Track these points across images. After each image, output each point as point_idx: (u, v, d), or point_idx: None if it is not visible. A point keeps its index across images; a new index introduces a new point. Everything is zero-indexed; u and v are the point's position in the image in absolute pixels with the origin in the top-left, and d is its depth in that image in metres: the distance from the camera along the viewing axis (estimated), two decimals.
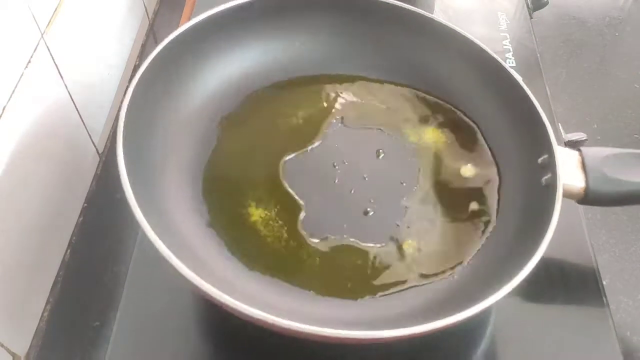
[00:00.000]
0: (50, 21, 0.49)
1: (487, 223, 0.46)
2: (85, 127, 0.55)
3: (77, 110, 0.53)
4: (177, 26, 0.69)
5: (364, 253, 0.44)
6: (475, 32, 0.63)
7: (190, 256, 0.39)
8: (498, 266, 0.41)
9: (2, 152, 0.42)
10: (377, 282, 0.42)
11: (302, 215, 0.45)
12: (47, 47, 0.48)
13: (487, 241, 0.44)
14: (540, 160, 0.44)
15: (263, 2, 0.52)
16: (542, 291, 0.45)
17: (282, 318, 0.33)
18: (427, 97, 0.54)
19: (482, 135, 0.51)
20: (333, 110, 0.52)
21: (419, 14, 0.53)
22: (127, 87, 0.43)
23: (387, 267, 0.43)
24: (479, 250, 0.44)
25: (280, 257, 0.43)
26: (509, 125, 0.49)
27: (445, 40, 0.52)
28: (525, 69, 0.60)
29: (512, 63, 0.61)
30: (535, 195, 0.43)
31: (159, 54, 0.45)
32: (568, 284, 0.45)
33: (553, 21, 1.63)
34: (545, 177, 0.43)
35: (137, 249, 0.45)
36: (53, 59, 0.49)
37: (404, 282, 0.42)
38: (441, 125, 0.52)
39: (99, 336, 0.46)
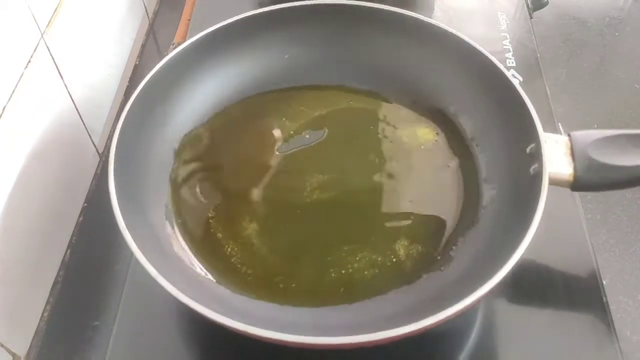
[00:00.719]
0: (50, 21, 0.49)
1: (479, 217, 0.46)
2: (85, 127, 0.55)
3: (77, 110, 0.53)
4: (177, 26, 0.69)
5: (358, 258, 0.44)
6: (476, 32, 0.63)
7: (186, 279, 0.40)
8: (486, 259, 0.41)
9: (2, 152, 0.42)
10: (372, 284, 0.43)
11: (296, 227, 0.46)
12: (47, 47, 0.48)
13: (476, 235, 0.44)
14: (528, 149, 0.44)
15: (246, 21, 0.52)
16: (542, 291, 0.45)
17: (280, 331, 0.34)
18: (415, 99, 0.53)
19: (473, 131, 0.51)
20: (320, 119, 0.53)
21: (393, 12, 0.53)
22: (119, 117, 0.44)
23: (381, 268, 0.43)
24: (470, 245, 0.44)
25: (273, 275, 0.43)
26: (497, 119, 0.48)
27: (426, 37, 0.52)
28: (525, 69, 0.60)
29: (512, 63, 0.61)
30: (525, 185, 0.43)
31: (146, 83, 0.47)
32: (568, 284, 0.45)
33: (553, 21, 1.63)
34: (533, 166, 0.43)
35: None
36: (53, 59, 0.49)
37: (396, 282, 0.43)
38: (431, 124, 0.52)
39: (99, 336, 0.46)
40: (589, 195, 1.28)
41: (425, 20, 0.52)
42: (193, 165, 0.49)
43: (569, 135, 0.44)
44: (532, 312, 0.44)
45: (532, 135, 0.44)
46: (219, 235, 0.45)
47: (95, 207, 0.54)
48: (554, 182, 0.42)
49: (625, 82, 1.50)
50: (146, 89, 0.46)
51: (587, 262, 0.46)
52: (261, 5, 0.53)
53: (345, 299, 0.42)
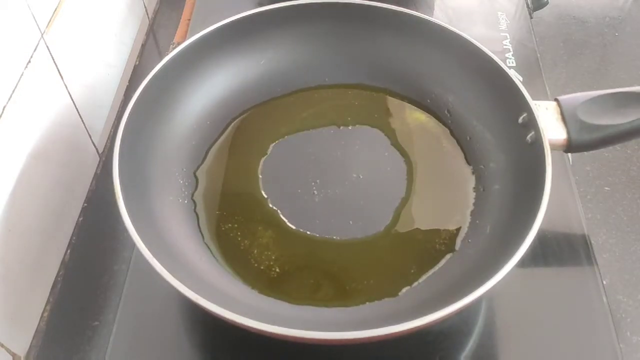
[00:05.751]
0: (50, 21, 0.49)
1: (483, 193, 0.47)
2: (85, 127, 0.55)
3: (77, 110, 0.53)
4: (177, 26, 0.69)
5: (366, 253, 0.44)
6: (476, 32, 0.63)
7: (190, 275, 0.40)
8: (503, 233, 0.42)
9: (2, 152, 0.42)
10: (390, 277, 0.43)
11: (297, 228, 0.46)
12: (47, 47, 0.48)
13: (486, 210, 0.45)
14: (520, 120, 0.45)
15: (239, 22, 0.52)
16: (541, 290, 0.45)
17: (284, 327, 0.34)
18: (401, 88, 0.54)
19: (464, 110, 0.51)
20: (309, 119, 0.53)
21: (368, 6, 0.53)
22: (120, 120, 0.44)
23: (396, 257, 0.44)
24: (479, 221, 0.45)
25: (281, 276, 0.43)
26: (485, 95, 0.49)
27: (410, 28, 0.53)
28: (525, 69, 0.60)
29: (512, 63, 0.61)
30: (524, 155, 0.44)
31: (144, 89, 0.46)
32: (568, 284, 0.45)
33: (553, 21, 1.63)
34: (529, 134, 0.44)
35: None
36: (53, 59, 0.49)
37: (424, 267, 0.43)
38: (419, 110, 0.53)
39: (98, 336, 0.46)
40: (589, 195, 1.28)
41: (399, 9, 0.52)
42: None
43: (556, 100, 0.46)
44: (531, 313, 0.44)
45: (522, 105, 0.45)
46: (239, 240, 0.45)
47: (95, 207, 0.54)
48: (550, 147, 0.43)
49: (625, 82, 1.49)
50: (146, 91, 0.46)
51: (587, 261, 0.46)
52: (260, 5, 0.53)
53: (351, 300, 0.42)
